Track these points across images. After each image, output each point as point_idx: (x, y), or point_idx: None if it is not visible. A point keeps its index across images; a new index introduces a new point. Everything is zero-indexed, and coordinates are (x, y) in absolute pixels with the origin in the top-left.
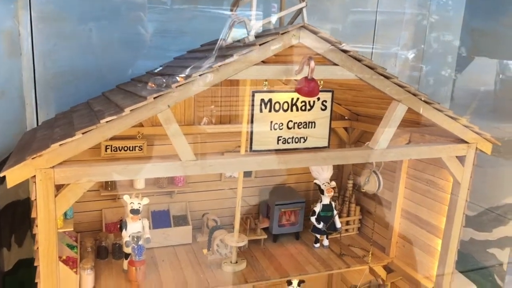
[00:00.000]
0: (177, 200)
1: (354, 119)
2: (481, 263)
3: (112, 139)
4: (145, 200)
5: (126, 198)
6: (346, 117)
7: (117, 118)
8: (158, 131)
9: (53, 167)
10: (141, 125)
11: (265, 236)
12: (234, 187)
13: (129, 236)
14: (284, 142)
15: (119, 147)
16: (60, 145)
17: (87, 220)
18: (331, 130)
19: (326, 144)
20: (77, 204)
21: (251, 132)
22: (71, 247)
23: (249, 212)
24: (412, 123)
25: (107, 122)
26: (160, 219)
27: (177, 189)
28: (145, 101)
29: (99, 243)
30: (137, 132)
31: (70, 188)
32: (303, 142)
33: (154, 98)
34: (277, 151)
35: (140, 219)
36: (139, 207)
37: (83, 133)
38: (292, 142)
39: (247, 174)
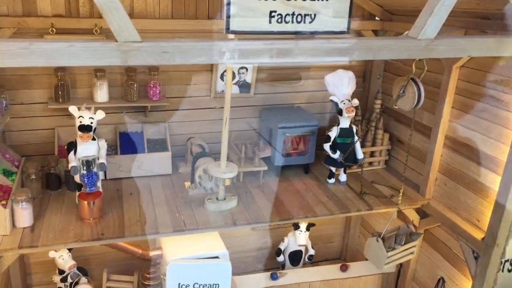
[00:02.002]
0: (153, 120)
1: (387, 19)
2: None
3: (61, 33)
4: (100, 114)
5: (73, 110)
6: (376, 17)
7: None
8: None
9: None
10: (100, 16)
11: (265, 168)
12: None
13: (79, 160)
14: (280, 20)
15: None
16: None
17: (36, 140)
18: (352, 16)
19: (344, 29)
20: (23, 121)
21: (228, 3)
22: (8, 173)
23: (246, 138)
24: (470, 16)
25: None
26: (130, 143)
27: (151, 103)
28: None
29: (47, 169)
30: (93, 25)
31: None
32: (310, 22)
33: None
34: (269, 34)
35: (96, 139)
36: (91, 123)
37: None
38: (293, 22)
39: (244, 89)
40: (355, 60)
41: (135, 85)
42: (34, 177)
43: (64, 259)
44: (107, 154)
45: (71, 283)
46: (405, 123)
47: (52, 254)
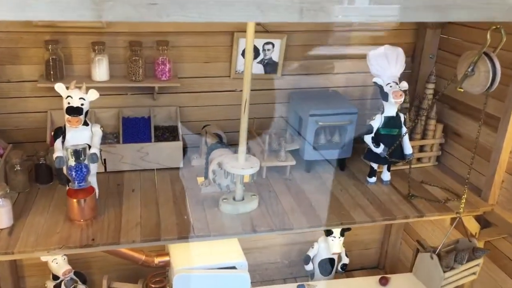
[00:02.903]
0: (163, 104)
1: None
2: None
3: None
4: (93, 95)
5: (59, 88)
6: None
7: None
8: None
9: None
10: None
11: (293, 163)
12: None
13: (66, 150)
14: None
15: None
16: None
17: (27, 125)
18: None
19: None
20: (11, 102)
21: None
22: None
23: (271, 127)
24: None
25: None
26: (135, 130)
27: (159, 84)
28: None
29: (36, 159)
30: None
31: None
32: None
33: None
34: None
35: (89, 125)
36: (82, 105)
37: None
38: None
39: (270, 69)
40: (414, 20)
41: (141, 62)
42: (19, 168)
43: (58, 263)
44: (108, 143)
45: None
46: (464, 111)
47: (44, 257)
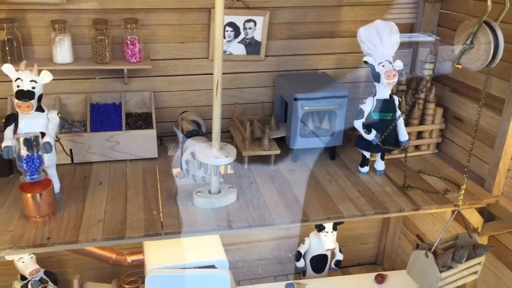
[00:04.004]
0: (134, 89)
1: None
2: None
3: None
4: (46, 77)
5: (7, 70)
6: None
7: None
8: None
9: None
10: None
11: (278, 151)
12: (230, 71)
13: (16, 139)
14: None
15: None
16: None
17: None
18: None
19: None
20: None
21: None
22: None
23: (253, 113)
24: None
25: None
26: (105, 118)
27: (128, 66)
28: None
29: None
30: None
31: None
32: None
33: None
34: None
35: (45, 111)
36: (33, 88)
37: None
38: None
39: (252, 50)
40: None
41: (107, 41)
42: None
43: (24, 262)
44: (75, 132)
45: None
46: (466, 94)
47: (8, 256)
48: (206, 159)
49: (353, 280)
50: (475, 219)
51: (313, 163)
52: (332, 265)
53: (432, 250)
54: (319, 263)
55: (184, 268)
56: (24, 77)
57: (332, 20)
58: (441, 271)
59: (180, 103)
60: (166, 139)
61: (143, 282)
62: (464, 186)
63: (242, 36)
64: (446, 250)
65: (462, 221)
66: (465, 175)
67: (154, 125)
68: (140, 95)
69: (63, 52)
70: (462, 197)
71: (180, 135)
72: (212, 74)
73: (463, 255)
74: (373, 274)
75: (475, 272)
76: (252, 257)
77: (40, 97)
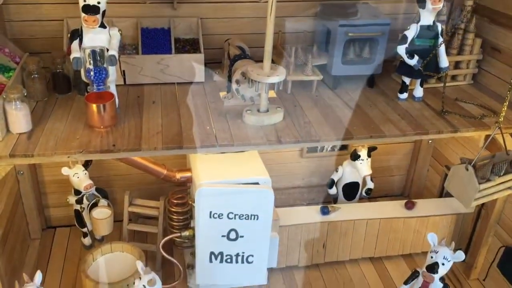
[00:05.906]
0: (183, 14)
1: None
2: None
3: None
4: None
5: None
6: None
7: None
8: None
9: None
10: None
11: (320, 77)
12: None
13: (83, 51)
14: None
15: None
16: None
17: (43, 34)
18: None
19: None
20: (26, 8)
21: None
22: (5, 69)
23: (297, 41)
24: None
25: None
26: (154, 42)
27: None
28: None
29: (54, 68)
30: None
31: None
32: None
33: None
34: None
35: (106, 27)
36: (99, 3)
37: None
38: None
39: None
40: None
41: None
42: (36, 76)
43: (79, 177)
44: (127, 54)
45: (88, 205)
46: (505, 24)
47: (65, 171)
48: (258, 77)
49: (383, 206)
50: (511, 143)
51: (353, 90)
52: (363, 193)
53: (472, 164)
54: (350, 191)
55: (231, 184)
56: None
57: None
58: (480, 183)
59: (226, 30)
60: (211, 66)
61: (189, 199)
62: (506, 103)
63: None
64: (484, 166)
65: (502, 137)
66: (508, 92)
67: (202, 50)
68: (188, 21)
69: None
70: (504, 113)
71: (227, 61)
72: (256, 1)
73: (502, 168)
74: (403, 201)
75: (510, 187)
76: (285, 185)
77: (103, 12)
